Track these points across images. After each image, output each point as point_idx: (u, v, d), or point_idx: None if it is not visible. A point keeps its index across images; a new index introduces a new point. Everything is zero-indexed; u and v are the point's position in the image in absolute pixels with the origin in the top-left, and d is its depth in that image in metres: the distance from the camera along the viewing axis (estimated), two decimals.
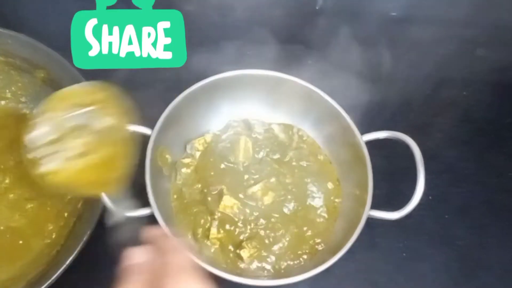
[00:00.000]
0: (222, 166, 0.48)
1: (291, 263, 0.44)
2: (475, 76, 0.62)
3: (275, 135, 0.51)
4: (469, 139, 0.57)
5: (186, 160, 0.48)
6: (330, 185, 0.48)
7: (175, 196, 0.46)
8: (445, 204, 0.53)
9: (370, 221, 0.42)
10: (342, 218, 0.46)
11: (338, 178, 0.49)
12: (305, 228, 0.46)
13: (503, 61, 0.64)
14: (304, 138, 0.51)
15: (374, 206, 0.43)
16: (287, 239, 0.45)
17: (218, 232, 0.44)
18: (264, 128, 0.51)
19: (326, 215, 0.47)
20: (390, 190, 0.52)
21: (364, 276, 0.48)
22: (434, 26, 0.65)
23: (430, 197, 0.52)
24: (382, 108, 0.58)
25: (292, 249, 0.45)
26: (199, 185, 0.47)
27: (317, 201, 0.47)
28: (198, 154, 0.49)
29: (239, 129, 0.50)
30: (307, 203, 0.47)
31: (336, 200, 0.48)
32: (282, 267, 0.44)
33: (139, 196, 0.46)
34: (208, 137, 0.50)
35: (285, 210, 0.46)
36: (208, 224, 0.44)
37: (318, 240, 0.45)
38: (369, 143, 0.46)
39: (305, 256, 0.44)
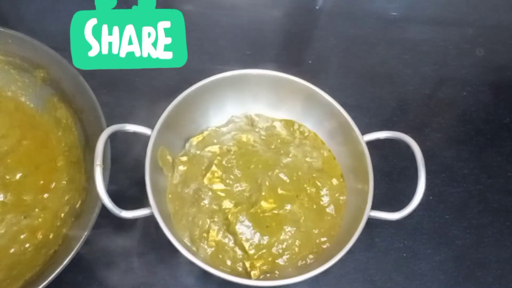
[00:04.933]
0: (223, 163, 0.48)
1: (298, 264, 0.44)
2: (475, 76, 0.62)
3: (277, 133, 0.51)
4: (467, 139, 0.58)
5: (184, 158, 0.48)
6: (334, 181, 0.48)
7: (170, 196, 0.46)
8: (444, 204, 0.53)
9: (370, 221, 0.42)
10: (345, 216, 0.46)
11: (342, 174, 0.49)
12: (313, 228, 0.45)
13: (502, 61, 0.64)
14: (306, 134, 0.51)
15: (374, 206, 0.43)
16: (297, 244, 0.44)
17: (217, 234, 0.44)
18: (267, 125, 0.51)
19: (333, 213, 0.46)
20: (390, 190, 0.52)
21: (363, 275, 0.48)
22: (433, 26, 0.65)
23: (430, 197, 0.53)
24: (381, 108, 0.58)
25: (301, 252, 0.44)
26: (197, 184, 0.46)
27: (325, 199, 0.47)
28: (196, 152, 0.49)
29: (241, 123, 0.50)
30: (315, 201, 0.46)
31: (341, 197, 0.47)
32: (289, 269, 0.43)
33: (140, 196, 0.46)
34: (207, 134, 0.50)
35: (293, 212, 0.45)
36: (206, 226, 0.44)
37: (323, 239, 0.45)
38: (369, 143, 0.46)
39: (311, 256, 0.44)
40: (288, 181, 0.47)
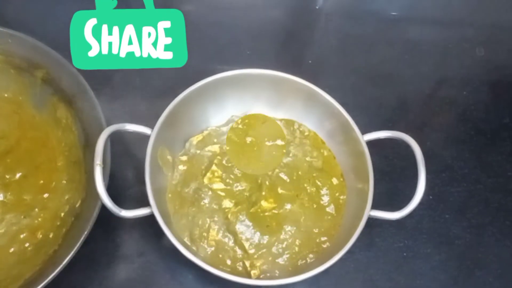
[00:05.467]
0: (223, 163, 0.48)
1: (298, 263, 0.44)
2: (475, 76, 0.62)
3: None
4: (467, 138, 0.58)
5: (183, 158, 0.48)
6: (334, 181, 0.48)
7: (170, 196, 0.46)
8: (444, 204, 0.53)
9: (370, 220, 0.42)
10: (345, 216, 0.46)
11: (342, 173, 0.49)
12: (313, 228, 0.45)
13: (502, 61, 0.64)
14: (306, 134, 0.51)
15: (374, 206, 0.43)
16: (297, 243, 0.44)
17: (217, 234, 0.44)
18: None
19: (334, 213, 0.46)
20: (390, 189, 0.52)
21: (364, 275, 0.48)
22: (434, 26, 0.65)
23: (430, 197, 0.53)
24: (381, 107, 0.58)
25: (301, 252, 0.44)
26: (197, 184, 0.46)
27: (325, 198, 0.47)
28: (196, 151, 0.49)
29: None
30: (315, 200, 0.47)
31: (341, 197, 0.47)
32: (289, 269, 0.43)
33: (140, 196, 0.46)
34: (207, 134, 0.50)
35: (293, 212, 0.45)
36: (206, 225, 0.44)
37: (324, 239, 0.45)
38: (369, 143, 0.46)
39: (311, 255, 0.44)
40: (288, 180, 0.47)
